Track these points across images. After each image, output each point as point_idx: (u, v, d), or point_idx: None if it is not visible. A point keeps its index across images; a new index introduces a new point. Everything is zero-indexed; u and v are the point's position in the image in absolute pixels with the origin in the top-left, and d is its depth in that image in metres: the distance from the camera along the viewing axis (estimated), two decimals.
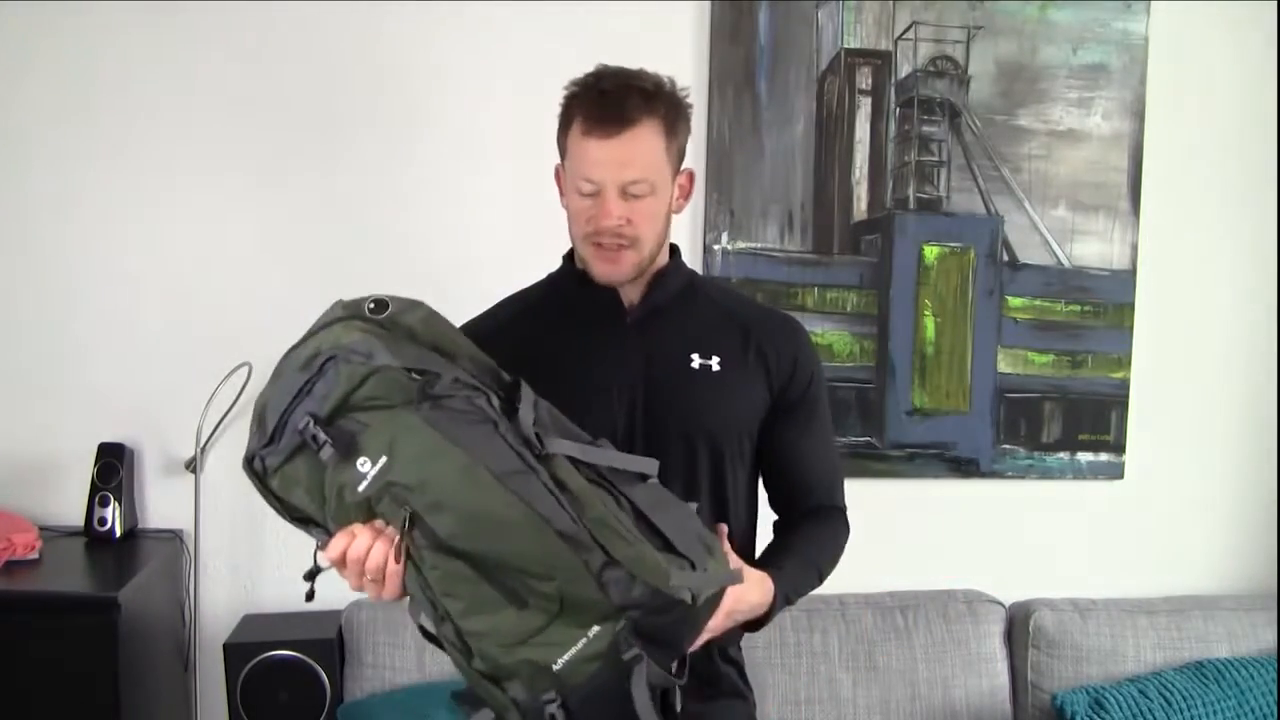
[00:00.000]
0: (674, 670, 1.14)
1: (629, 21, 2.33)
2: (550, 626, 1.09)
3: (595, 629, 1.09)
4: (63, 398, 2.24)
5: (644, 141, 1.32)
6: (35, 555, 2.03)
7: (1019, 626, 2.47)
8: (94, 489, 2.17)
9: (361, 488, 1.10)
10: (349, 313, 1.17)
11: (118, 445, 2.20)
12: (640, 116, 1.31)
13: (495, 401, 1.15)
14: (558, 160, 1.41)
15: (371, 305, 1.17)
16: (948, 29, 2.50)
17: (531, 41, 2.31)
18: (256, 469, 1.16)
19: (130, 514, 2.22)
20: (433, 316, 1.20)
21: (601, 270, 1.37)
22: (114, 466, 2.18)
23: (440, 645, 1.15)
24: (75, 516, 2.20)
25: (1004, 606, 2.49)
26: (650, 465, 1.20)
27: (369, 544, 1.11)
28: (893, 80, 2.50)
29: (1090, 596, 2.54)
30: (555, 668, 1.09)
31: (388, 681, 2.16)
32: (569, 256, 1.47)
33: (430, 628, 1.15)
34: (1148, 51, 2.58)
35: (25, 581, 1.93)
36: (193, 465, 2.23)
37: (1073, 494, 2.64)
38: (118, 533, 2.16)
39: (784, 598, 1.33)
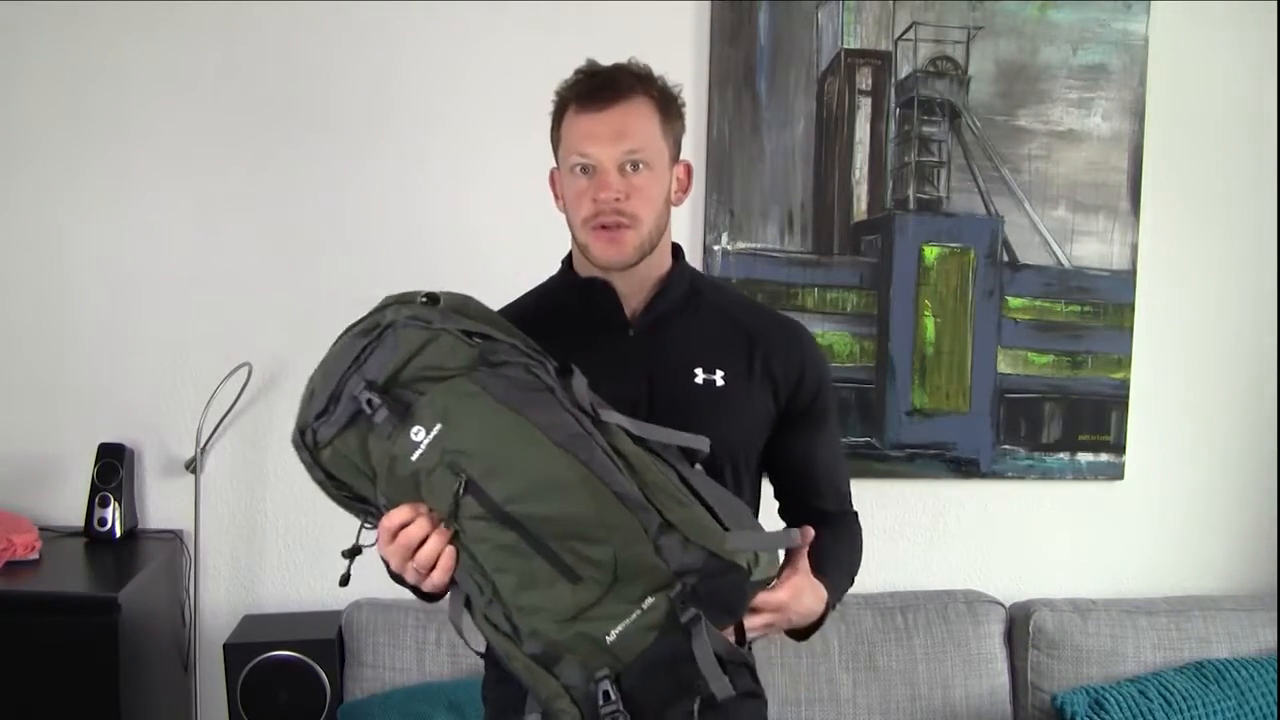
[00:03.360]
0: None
1: (629, 21, 2.34)
2: (604, 600, 1.09)
3: (649, 600, 1.09)
4: (63, 398, 2.24)
5: (637, 114, 1.31)
6: (35, 555, 2.03)
7: (1019, 627, 2.46)
8: (94, 489, 2.17)
9: (415, 457, 1.09)
10: (402, 300, 1.17)
11: (118, 445, 2.20)
12: (632, 90, 1.32)
13: (551, 370, 1.15)
14: (553, 165, 1.40)
15: (423, 298, 1.16)
16: (948, 29, 2.50)
17: (531, 41, 2.31)
18: (307, 442, 1.14)
19: (130, 514, 2.22)
20: (483, 305, 1.20)
21: (602, 252, 1.32)
22: (114, 467, 2.18)
23: (478, 638, 1.13)
24: (75, 517, 2.20)
25: (1004, 607, 2.49)
26: (701, 442, 1.18)
27: (425, 532, 1.10)
28: (893, 80, 2.49)
29: (1090, 596, 2.54)
30: (609, 639, 1.09)
31: (388, 682, 2.16)
32: (567, 262, 1.44)
33: (476, 615, 1.13)
34: (1148, 51, 2.58)
35: (25, 582, 1.93)
36: (193, 465, 2.23)
37: (1073, 494, 2.64)
38: (118, 533, 2.16)
39: (832, 605, 1.31)
